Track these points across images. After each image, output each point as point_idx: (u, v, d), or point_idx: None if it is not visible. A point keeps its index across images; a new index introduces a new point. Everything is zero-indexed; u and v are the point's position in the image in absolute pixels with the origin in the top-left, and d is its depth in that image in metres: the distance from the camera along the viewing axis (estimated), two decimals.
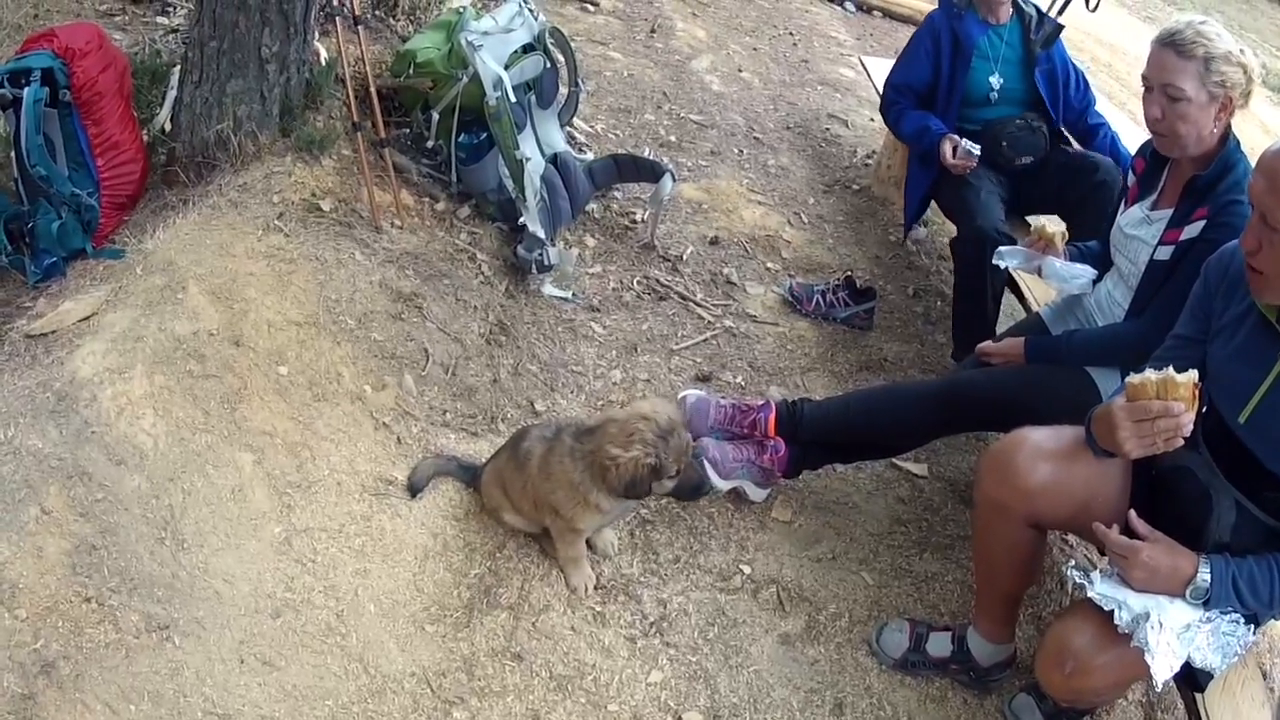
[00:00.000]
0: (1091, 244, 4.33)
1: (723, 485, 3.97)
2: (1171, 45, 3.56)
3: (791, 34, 9.11)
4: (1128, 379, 2.81)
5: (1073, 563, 3.01)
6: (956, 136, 5.10)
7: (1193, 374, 2.75)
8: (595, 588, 3.61)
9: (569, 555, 3.58)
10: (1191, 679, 3.22)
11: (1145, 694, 3.77)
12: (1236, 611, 2.98)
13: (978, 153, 5.00)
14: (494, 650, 3.35)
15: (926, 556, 4.22)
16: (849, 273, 5.52)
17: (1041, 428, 3.25)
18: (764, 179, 6.51)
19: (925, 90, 5.41)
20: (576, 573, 3.60)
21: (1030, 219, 4.29)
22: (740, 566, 3.88)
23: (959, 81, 5.26)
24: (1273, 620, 3.33)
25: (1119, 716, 3.93)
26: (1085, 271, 4.13)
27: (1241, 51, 3.56)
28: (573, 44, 6.40)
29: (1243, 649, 3.02)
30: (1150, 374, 2.76)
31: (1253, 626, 3.04)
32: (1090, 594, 2.92)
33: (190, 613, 3.09)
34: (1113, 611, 2.88)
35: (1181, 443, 2.78)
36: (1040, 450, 3.17)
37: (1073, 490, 3.15)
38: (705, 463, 3.89)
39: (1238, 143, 3.67)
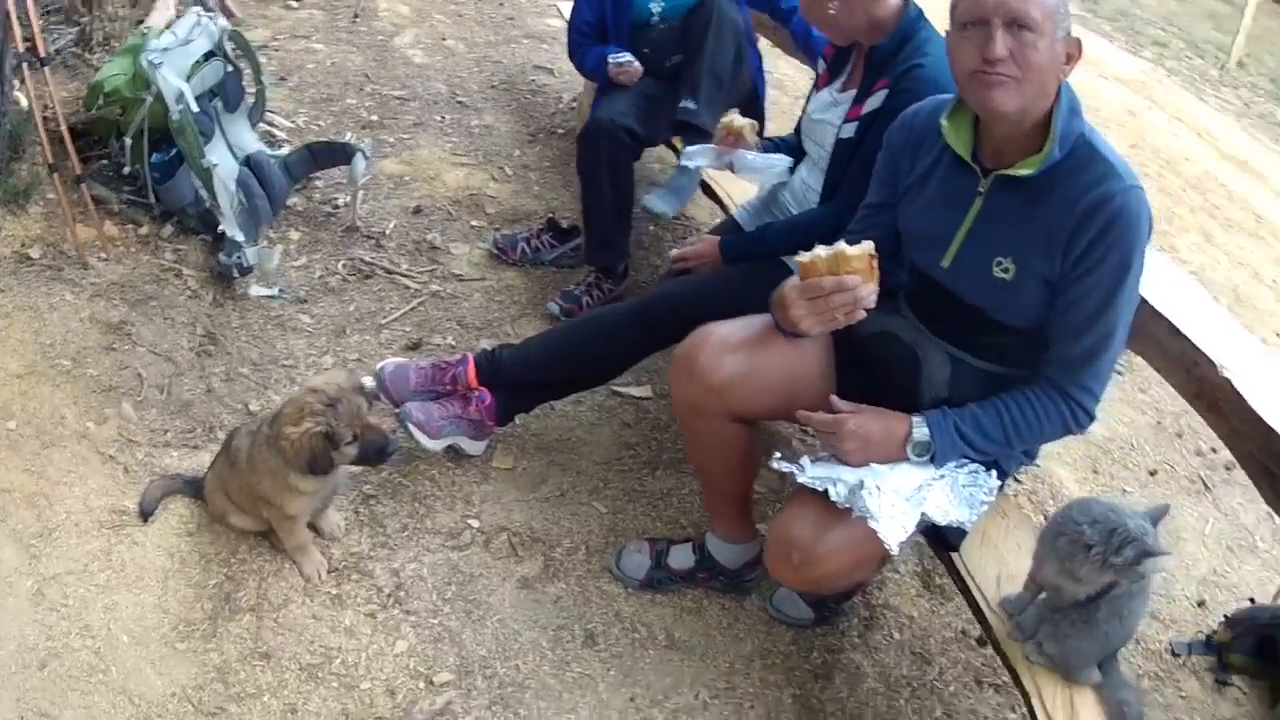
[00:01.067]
0: (787, 136, 4.40)
1: (434, 445, 3.98)
2: None
3: None
4: (797, 257, 2.82)
5: (778, 454, 2.99)
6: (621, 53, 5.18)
7: (867, 245, 2.75)
8: (328, 571, 3.64)
9: (294, 544, 3.61)
10: (942, 539, 3.30)
11: (920, 562, 3.87)
12: (973, 461, 3.06)
13: (627, 57, 5.08)
14: (243, 654, 3.37)
15: (659, 474, 4.31)
16: (551, 214, 5.60)
17: (727, 321, 3.25)
18: (467, 140, 6.55)
19: (601, 26, 5.45)
20: (306, 560, 3.63)
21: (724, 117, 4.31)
22: (468, 522, 3.93)
23: (623, 11, 5.32)
24: (1027, 464, 3.42)
25: (894, 589, 4.04)
26: (780, 160, 4.17)
27: None
28: (277, 41, 6.43)
29: (989, 496, 3.09)
30: (820, 250, 2.76)
31: (995, 472, 3.11)
32: (802, 479, 2.91)
33: None
34: (826, 491, 2.87)
35: (863, 314, 2.80)
36: (726, 343, 3.18)
37: (768, 378, 3.18)
38: (411, 427, 3.92)
39: (920, 12, 3.70)
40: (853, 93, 3.85)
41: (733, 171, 4.24)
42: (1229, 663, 4.37)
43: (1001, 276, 2.90)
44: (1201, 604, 4.66)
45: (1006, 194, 2.88)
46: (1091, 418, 3.00)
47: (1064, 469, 5.11)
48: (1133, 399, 5.89)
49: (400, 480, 4.01)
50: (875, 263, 2.75)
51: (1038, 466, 4.97)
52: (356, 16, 8.02)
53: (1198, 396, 3.41)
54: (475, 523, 3.93)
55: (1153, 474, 5.43)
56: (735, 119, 4.21)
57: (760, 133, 4.41)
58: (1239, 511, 5.19)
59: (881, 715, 3.66)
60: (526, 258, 5.42)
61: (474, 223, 5.72)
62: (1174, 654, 4.34)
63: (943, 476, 3.00)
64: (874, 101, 3.69)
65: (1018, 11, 2.67)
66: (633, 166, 5.06)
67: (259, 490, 3.47)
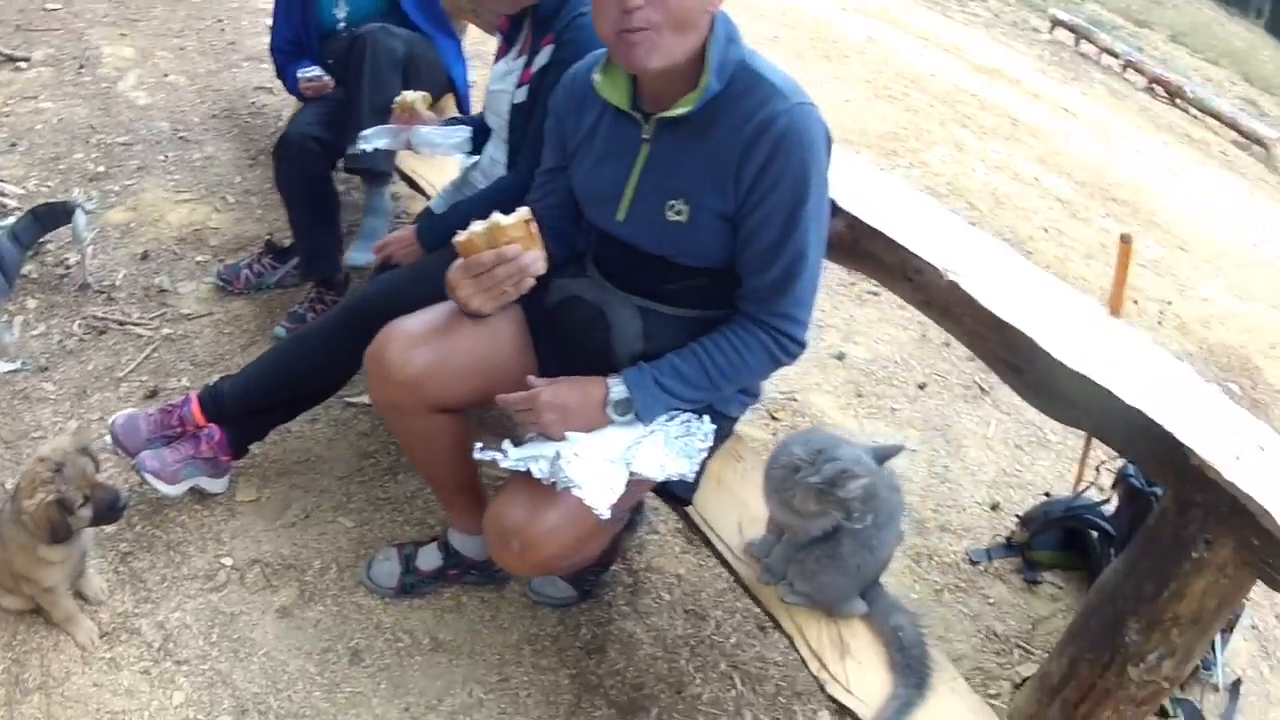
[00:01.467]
0: (475, 116, 4.40)
1: (174, 490, 3.89)
2: None
3: (220, 20, 8.99)
4: (454, 239, 2.80)
5: (479, 444, 2.96)
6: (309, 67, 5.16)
7: (522, 212, 2.75)
8: (100, 636, 3.57)
9: (61, 616, 3.54)
10: (670, 494, 3.30)
11: (680, 518, 3.85)
12: (682, 411, 3.04)
13: (315, 71, 5.05)
14: None
15: (401, 478, 4.28)
16: (268, 236, 5.52)
17: (412, 314, 3.21)
18: (190, 176, 6.44)
19: (300, 42, 5.41)
20: (78, 629, 3.56)
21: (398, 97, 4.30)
22: (221, 561, 3.87)
23: (311, 23, 5.29)
24: (751, 403, 3.41)
25: (656, 550, 4.06)
26: (458, 131, 4.18)
27: None
28: (7, 106, 6.27)
29: (706, 443, 3.08)
30: (476, 226, 2.75)
31: (708, 418, 3.11)
32: (504, 464, 2.87)
33: None
34: (529, 471, 2.84)
35: (532, 282, 2.80)
36: (411, 337, 3.13)
37: (460, 364, 3.15)
38: (148, 476, 3.84)
39: None
40: (525, 58, 3.85)
41: (412, 149, 4.26)
42: (1035, 561, 4.45)
43: (676, 219, 2.89)
44: (996, 507, 4.74)
45: (671, 136, 2.88)
46: (801, 344, 3.02)
47: (824, 398, 5.16)
48: (892, 316, 5.97)
49: (154, 532, 3.93)
50: (534, 228, 2.76)
51: (796, 401, 5.00)
52: (82, 67, 7.87)
53: (927, 304, 3.42)
54: (228, 560, 3.88)
55: (922, 387, 5.51)
56: (406, 95, 4.22)
57: (464, 112, 4.41)
58: (1023, 409, 5.31)
59: (664, 679, 3.68)
60: (251, 284, 5.35)
61: (199, 258, 5.64)
62: (972, 562, 4.41)
63: (653, 432, 2.99)
64: (541, 59, 3.70)
65: None
66: (330, 175, 5.03)
67: (15, 568, 3.40)
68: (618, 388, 2.95)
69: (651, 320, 3.10)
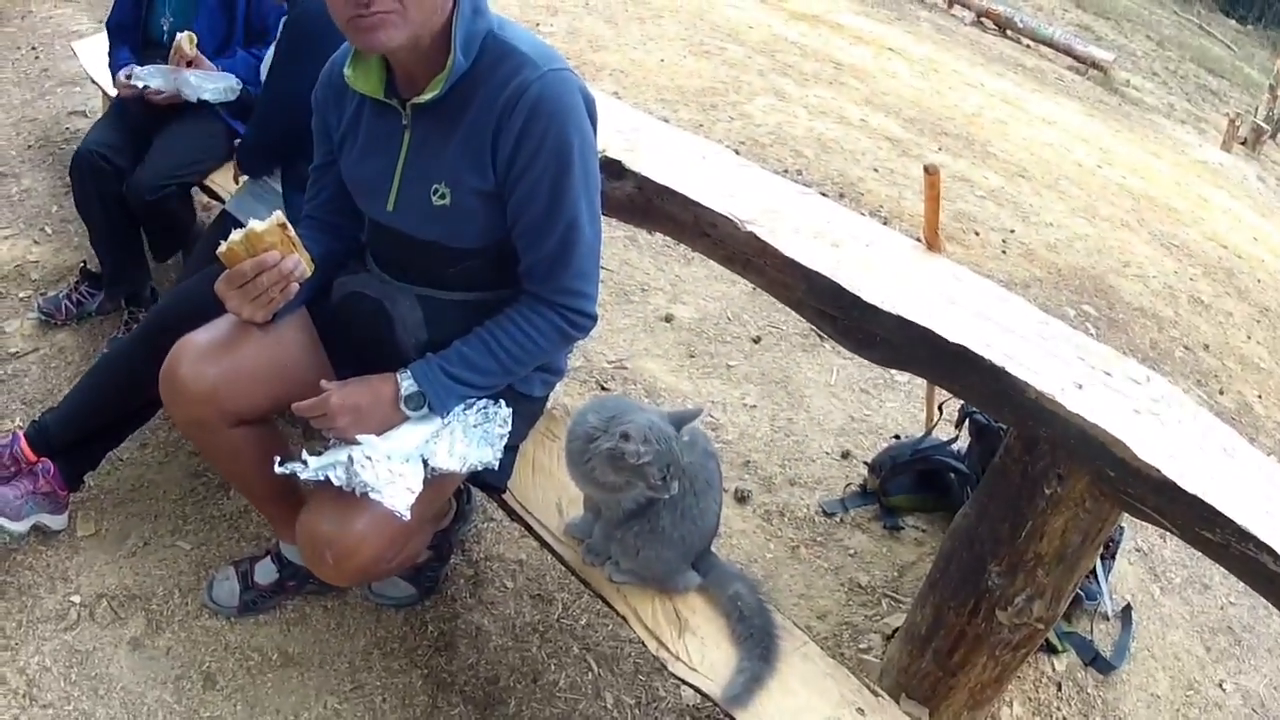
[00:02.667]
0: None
1: (19, 527, 3.82)
2: None
3: (34, 48, 8.83)
4: (217, 251, 2.76)
5: (278, 459, 2.90)
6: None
7: (276, 216, 2.72)
8: None
9: None
10: (483, 484, 3.30)
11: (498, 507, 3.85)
12: (477, 398, 3.04)
13: (125, 73, 4.87)
14: None
15: (233, 494, 4.22)
16: (83, 263, 5.42)
17: (200, 329, 3.13)
18: (9, 211, 6.32)
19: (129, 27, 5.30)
20: None
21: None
22: (70, 599, 3.81)
23: (140, 19, 5.18)
24: (554, 379, 3.42)
25: (495, 537, 4.12)
26: (225, 77, 4.23)
27: None
28: None
29: (505, 427, 3.07)
30: (235, 235, 2.72)
31: (503, 401, 3.11)
32: (304, 476, 2.84)
33: None
34: (328, 479, 2.81)
35: (297, 287, 2.80)
36: (200, 352, 3.06)
37: (253, 373, 3.08)
38: None
39: None
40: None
41: (185, 96, 4.30)
42: (892, 506, 4.48)
43: (441, 204, 2.87)
44: (846, 455, 4.77)
45: (429, 119, 2.84)
46: (591, 318, 3.01)
47: (655, 362, 5.17)
48: (720, 273, 5.96)
49: (4, 578, 3.86)
50: (290, 231, 2.74)
51: (626, 369, 5.01)
52: None
53: (730, 259, 3.44)
54: (76, 598, 3.82)
55: (757, 340, 5.52)
56: (179, 36, 4.24)
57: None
58: None
59: (518, 669, 3.68)
60: (72, 314, 5.25)
61: (22, 294, 5.52)
62: (827, 514, 4.42)
63: (449, 424, 2.98)
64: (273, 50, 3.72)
65: None
66: (122, 196, 4.87)
67: None
68: (407, 382, 2.91)
69: (432, 308, 3.08)
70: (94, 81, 6.29)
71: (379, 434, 2.89)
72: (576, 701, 3.65)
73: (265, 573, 3.75)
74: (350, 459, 2.79)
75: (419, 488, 2.85)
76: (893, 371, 5.42)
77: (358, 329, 3.12)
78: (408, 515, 2.80)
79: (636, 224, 3.70)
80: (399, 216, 2.99)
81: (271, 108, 3.71)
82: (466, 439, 2.99)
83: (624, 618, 3.09)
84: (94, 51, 6.20)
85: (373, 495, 2.76)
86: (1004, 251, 7.67)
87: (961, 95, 11.76)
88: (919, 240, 3.55)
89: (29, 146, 7.17)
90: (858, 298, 2.98)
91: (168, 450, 4.44)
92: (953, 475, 4.47)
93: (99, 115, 6.97)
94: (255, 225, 2.70)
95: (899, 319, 2.91)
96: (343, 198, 3.20)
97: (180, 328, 3.35)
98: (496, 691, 3.62)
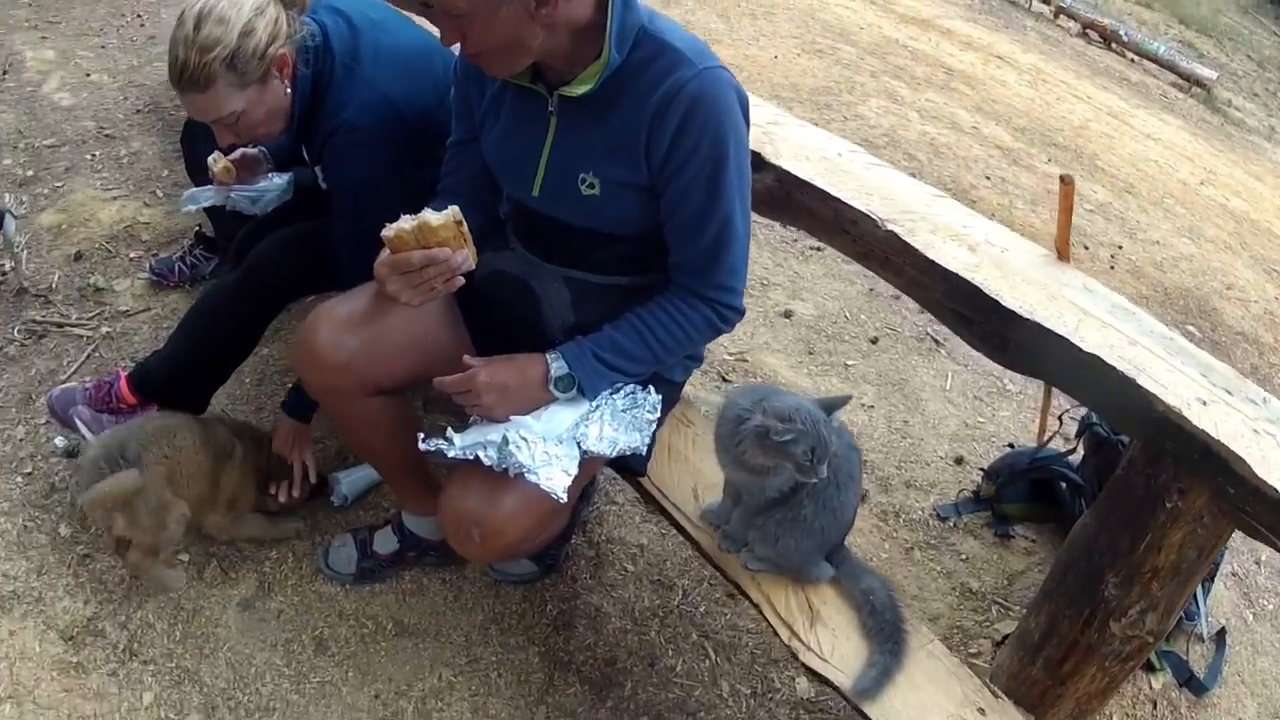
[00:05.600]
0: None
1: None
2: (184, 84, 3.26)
3: (139, 16, 8.88)
4: (383, 233, 2.72)
5: (421, 436, 2.88)
6: None
7: (450, 211, 2.67)
8: (69, 639, 3.52)
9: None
10: (625, 467, 3.25)
11: (636, 493, 3.80)
12: (625, 383, 2.99)
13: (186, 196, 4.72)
14: None
15: (350, 462, 4.19)
16: (198, 228, 5.44)
17: (339, 297, 3.12)
18: (118, 173, 6.37)
19: None
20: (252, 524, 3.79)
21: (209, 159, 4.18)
22: (178, 557, 3.79)
23: None
24: (694, 367, 3.36)
25: (617, 520, 4.03)
26: (271, 186, 4.11)
27: (253, 13, 3.22)
28: None
29: (654, 413, 3.02)
30: (404, 222, 2.68)
31: (654, 388, 3.05)
32: (451, 454, 2.81)
33: None
34: (478, 458, 2.78)
35: (462, 281, 2.74)
36: (340, 321, 3.05)
37: (393, 345, 3.07)
38: (79, 423, 3.87)
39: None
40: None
41: (234, 207, 4.20)
42: (1004, 514, 4.42)
43: (590, 194, 2.84)
44: (960, 461, 4.71)
45: (577, 109, 2.80)
46: (740, 312, 2.97)
47: (775, 357, 5.13)
48: (838, 271, 5.94)
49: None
50: (464, 228, 2.69)
51: (746, 361, 4.96)
52: (5, 73, 7.76)
53: (867, 257, 3.39)
54: (185, 556, 3.81)
55: (874, 341, 5.48)
56: (212, 164, 4.10)
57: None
58: (979, 359, 5.17)
59: (636, 652, 3.64)
60: (185, 277, 5.27)
61: (132, 254, 5.56)
62: (941, 518, 4.39)
63: (599, 407, 2.95)
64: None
65: (445, 3, 2.60)
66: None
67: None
68: (557, 364, 2.88)
69: (579, 290, 3.06)
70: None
71: (524, 414, 2.87)
72: (692, 688, 3.60)
73: (385, 542, 3.74)
74: (505, 439, 2.76)
75: (574, 470, 2.82)
76: (1005, 380, 5.39)
77: (503, 308, 3.09)
78: (564, 497, 2.78)
79: (773, 217, 3.65)
80: (545, 201, 2.96)
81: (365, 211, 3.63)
82: (615, 423, 2.96)
83: (757, 605, 3.06)
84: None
85: (528, 476, 2.73)
86: (1112, 267, 7.57)
87: (1069, 107, 11.65)
88: (1048, 249, 3.47)
89: (137, 111, 7.20)
90: (997, 302, 2.94)
91: (278, 415, 4.33)
92: (1065, 487, 4.39)
93: None
94: (430, 217, 2.65)
95: (1036, 325, 2.86)
96: (482, 175, 3.18)
97: (281, 276, 3.55)
98: (613, 673, 3.59)
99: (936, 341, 5.55)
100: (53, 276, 5.34)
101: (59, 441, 4.14)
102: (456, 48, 2.72)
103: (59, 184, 6.20)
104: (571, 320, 3.06)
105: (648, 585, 3.87)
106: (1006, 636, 3.69)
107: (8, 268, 5.32)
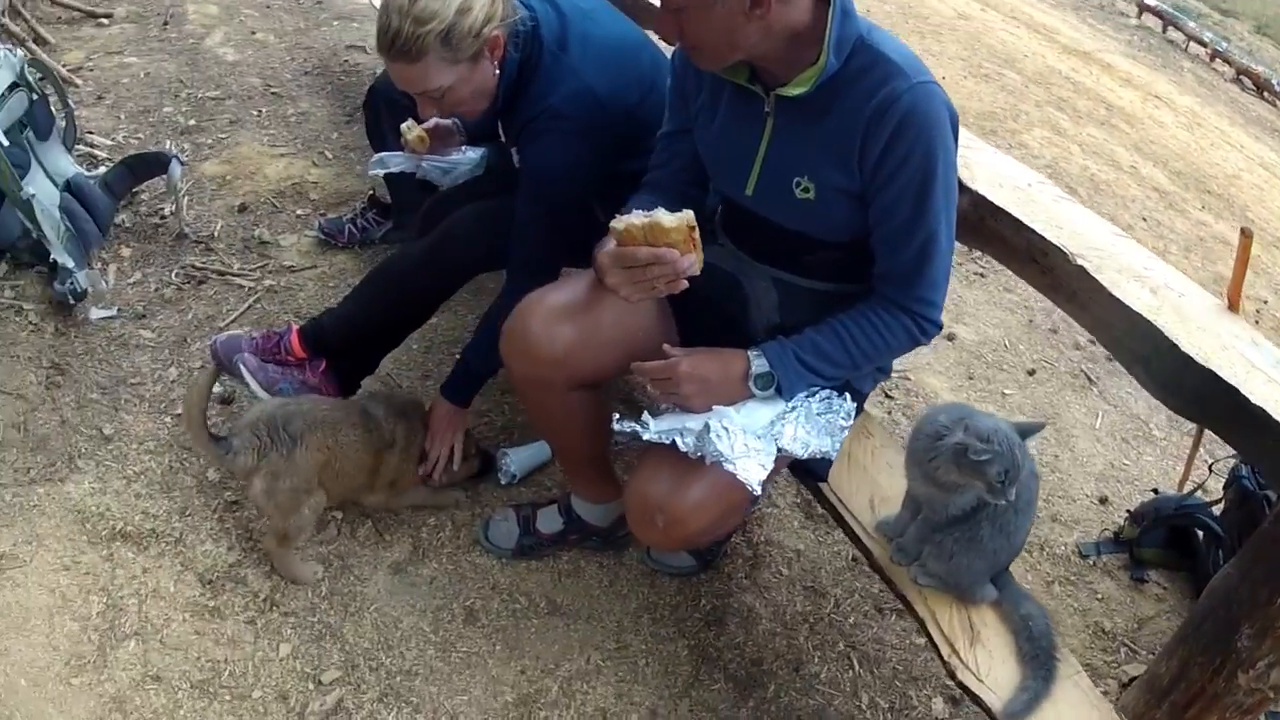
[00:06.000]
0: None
1: (266, 397, 3.88)
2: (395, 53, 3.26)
3: None
4: (612, 223, 2.70)
5: (617, 417, 2.88)
6: None
7: (684, 215, 2.63)
8: (207, 583, 3.56)
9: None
10: (809, 470, 3.23)
11: (798, 493, 3.80)
12: (822, 387, 2.97)
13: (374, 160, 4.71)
14: (135, 680, 3.27)
15: (516, 438, 4.21)
16: (371, 192, 5.46)
17: (552, 286, 3.11)
18: (285, 130, 6.44)
19: None
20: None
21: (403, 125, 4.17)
22: (331, 513, 3.82)
23: None
24: (882, 379, 3.35)
25: (776, 524, 3.99)
26: (464, 160, 4.09)
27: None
28: (91, 60, 6.33)
29: (848, 421, 3.01)
30: (635, 218, 2.64)
31: (849, 395, 3.03)
32: (647, 436, 2.81)
33: None
34: (674, 443, 2.78)
35: (685, 284, 2.69)
36: (555, 311, 3.03)
37: (606, 338, 3.06)
38: (245, 371, 3.88)
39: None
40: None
41: (433, 180, 4.19)
42: (1141, 558, 4.38)
43: (805, 197, 2.82)
44: (1104, 501, 4.68)
45: (792, 111, 2.79)
46: (937, 326, 2.95)
47: (936, 379, 5.09)
48: (1000, 300, 5.90)
49: None
50: (695, 233, 2.64)
51: (909, 380, 4.93)
52: (166, 24, 7.86)
53: (1054, 289, 3.36)
54: (339, 513, 3.85)
55: (1031, 373, 5.44)
56: (406, 132, 4.08)
57: None
58: (1128, 401, 5.23)
59: (782, 655, 3.62)
60: (355, 239, 5.32)
61: (299, 212, 5.62)
62: (1082, 556, 4.36)
63: (794, 408, 2.93)
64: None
65: None
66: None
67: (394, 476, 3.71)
68: (759, 361, 2.86)
69: (787, 292, 3.07)
70: None
71: (720, 408, 2.85)
72: (832, 697, 3.57)
73: (549, 521, 3.74)
74: (707, 426, 2.76)
75: (770, 465, 2.81)
76: (1151, 425, 5.34)
77: (710, 302, 3.07)
78: (759, 490, 2.78)
79: (962, 240, 3.61)
80: (759, 201, 2.95)
81: (557, 212, 3.59)
82: (810, 426, 2.95)
83: (921, 620, 3.04)
84: None
85: (725, 465, 2.73)
86: (1257, 321, 7.45)
87: (1223, 154, 11.53)
88: (1220, 298, 3.41)
89: (305, 73, 7.31)
90: (1175, 346, 2.90)
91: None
92: (1203, 536, 4.35)
93: (375, 51, 7.07)
94: (663, 217, 2.61)
95: (1210, 373, 2.81)
96: (694, 168, 3.17)
97: (473, 250, 3.59)
98: (758, 674, 3.56)
99: (1090, 379, 5.50)
100: (214, 225, 5.41)
101: (215, 387, 4.14)
102: (658, 40, 2.71)
103: (223, 136, 6.29)
104: (776, 321, 3.06)
105: (800, 590, 3.84)
106: (1134, 679, 3.63)
107: (167, 211, 5.38)
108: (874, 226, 2.82)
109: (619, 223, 2.66)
